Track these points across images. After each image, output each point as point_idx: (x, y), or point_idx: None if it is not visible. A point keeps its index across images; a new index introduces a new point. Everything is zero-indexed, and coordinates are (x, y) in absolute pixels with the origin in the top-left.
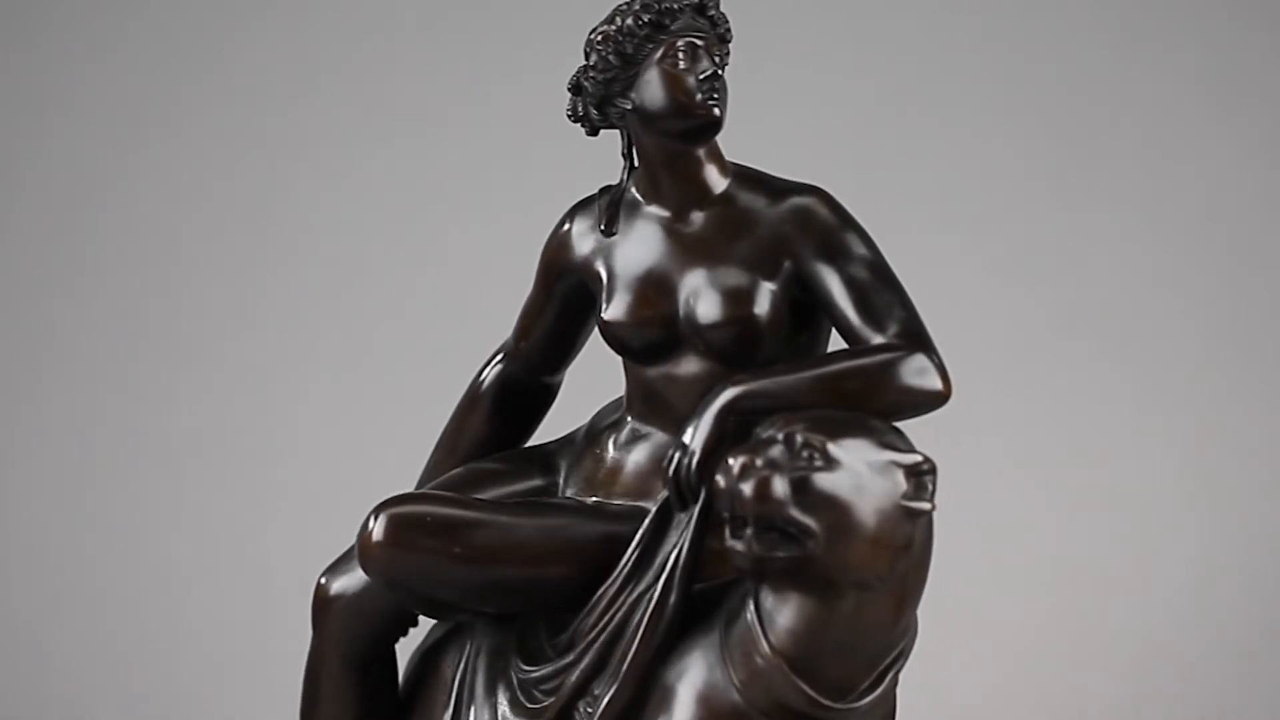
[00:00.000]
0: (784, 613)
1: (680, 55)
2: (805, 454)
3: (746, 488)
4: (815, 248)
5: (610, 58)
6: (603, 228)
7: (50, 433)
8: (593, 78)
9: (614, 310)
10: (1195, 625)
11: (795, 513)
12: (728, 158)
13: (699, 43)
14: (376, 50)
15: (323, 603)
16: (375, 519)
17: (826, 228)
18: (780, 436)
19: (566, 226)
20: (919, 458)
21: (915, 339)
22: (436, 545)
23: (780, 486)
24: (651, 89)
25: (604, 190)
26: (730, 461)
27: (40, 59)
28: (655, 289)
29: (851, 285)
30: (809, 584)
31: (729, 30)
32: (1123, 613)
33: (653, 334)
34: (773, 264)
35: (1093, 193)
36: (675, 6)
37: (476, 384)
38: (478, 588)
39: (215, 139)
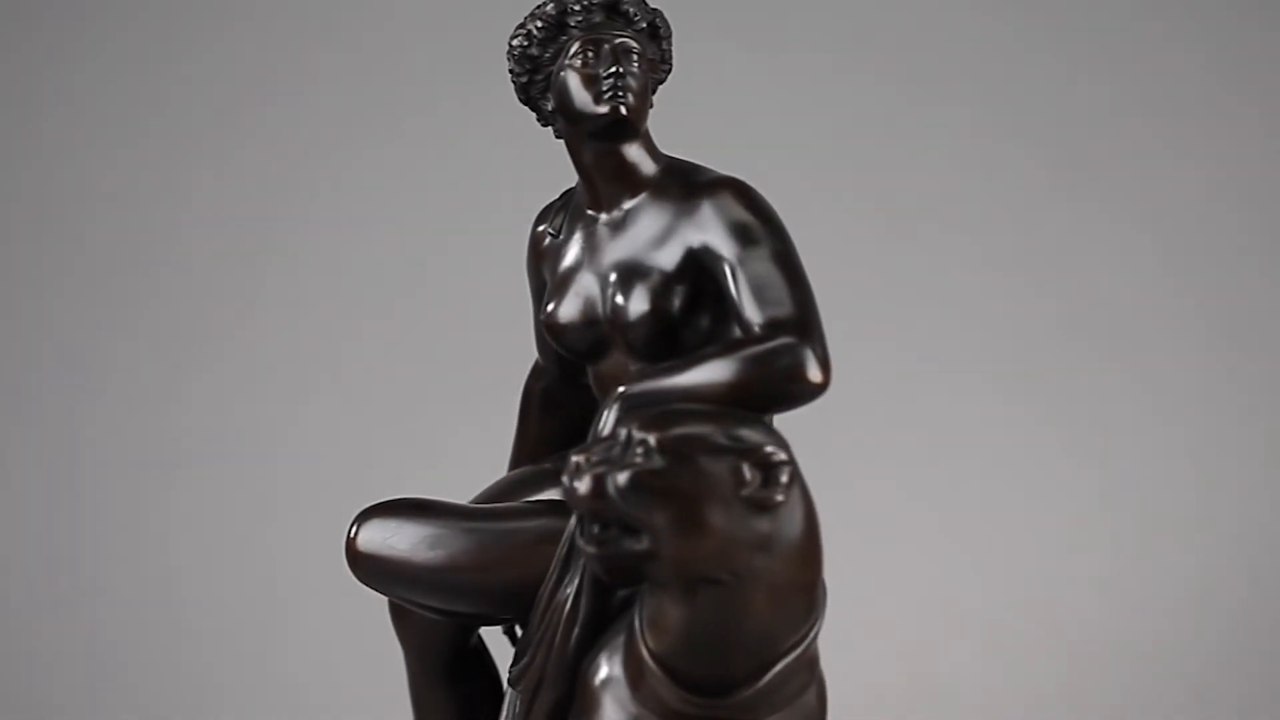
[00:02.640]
0: (654, 613)
1: (582, 55)
2: (639, 450)
3: (581, 486)
4: (719, 239)
5: (521, 62)
6: (551, 231)
7: (50, 430)
8: (514, 82)
9: (547, 313)
10: (1195, 622)
11: (629, 509)
12: (734, 157)
13: (606, 41)
14: (380, 50)
15: (394, 617)
16: (353, 528)
17: (732, 219)
18: (620, 433)
19: (532, 234)
20: (766, 450)
21: (796, 330)
22: (397, 556)
23: (612, 483)
24: (559, 90)
25: (565, 194)
26: (571, 460)
27: (34, 59)
28: (582, 290)
29: (747, 276)
30: (664, 582)
31: (657, 25)
32: (1124, 610)
33: (583, 334)
34: (682, 257)
35: (1094, 191)
36: (576, 6)
37: (525, 394)
38: (443, 593)
39: (217, 138)
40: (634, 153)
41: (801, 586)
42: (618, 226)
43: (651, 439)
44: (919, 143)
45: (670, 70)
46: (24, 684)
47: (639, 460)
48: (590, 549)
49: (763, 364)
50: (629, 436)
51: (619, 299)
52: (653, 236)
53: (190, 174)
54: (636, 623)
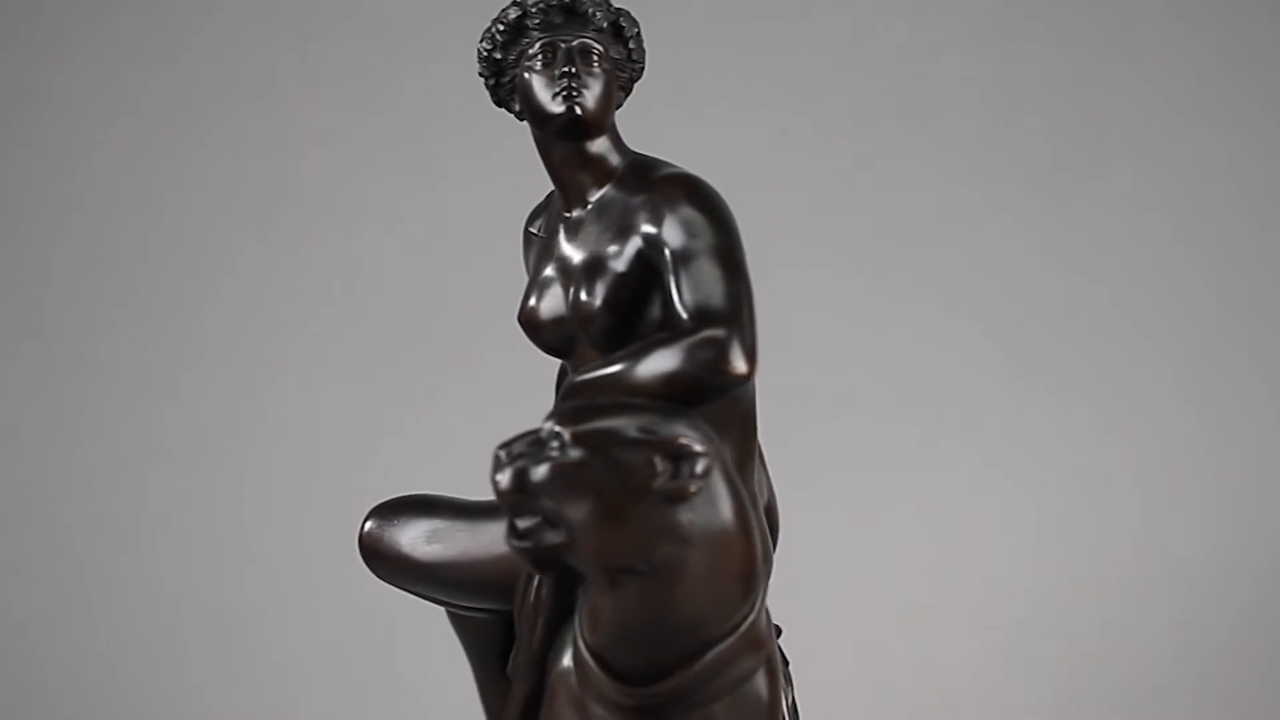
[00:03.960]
0: (586, 604)
1: (541, 56)
2: (554, 444)
3: (503, 479)
4: (664, 231)
5: (487, 65)
6: (534, 231)
7: (52, 427)
8: (485, 86)
9: (523, 312)
10: (1199, 609)
11: (545, 501)
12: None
13: (563, 42)
14: (385, 50)
15: (451, 620)
16: (364, 523)
17: (677, 212)
18: (543, 427)
19: (524, 234)
20: (678, 441)
21: (723, 321)
22: (400, 550)
23: (529, 477)
24: (521, 91)
25: (550, 193)
26: (495, 454)
27: (46, 51)
28: (551, 288)
29: (684, 268)
30: (589, 573)
31: (619, 25)
32: (1127, 601)
33: (553, 331)
34: (635, 250)
35: (1087, 190)
36: (534, 9)
37: (557, 388)
38: (443, 586)
39: (225, 132)
40: (598, 150)
41: (730, 575)
42: (583, 223)
43: (567, 433)
44: (911, 139)
45: (641, 68)
46: (28, 676)
47: (555, 454)
48: (514, 542)
49: (687, 355)
50: (549, 431)
51: (582, 295)
52: (612, 232)
53: (202, 168)
54: (576, 616)
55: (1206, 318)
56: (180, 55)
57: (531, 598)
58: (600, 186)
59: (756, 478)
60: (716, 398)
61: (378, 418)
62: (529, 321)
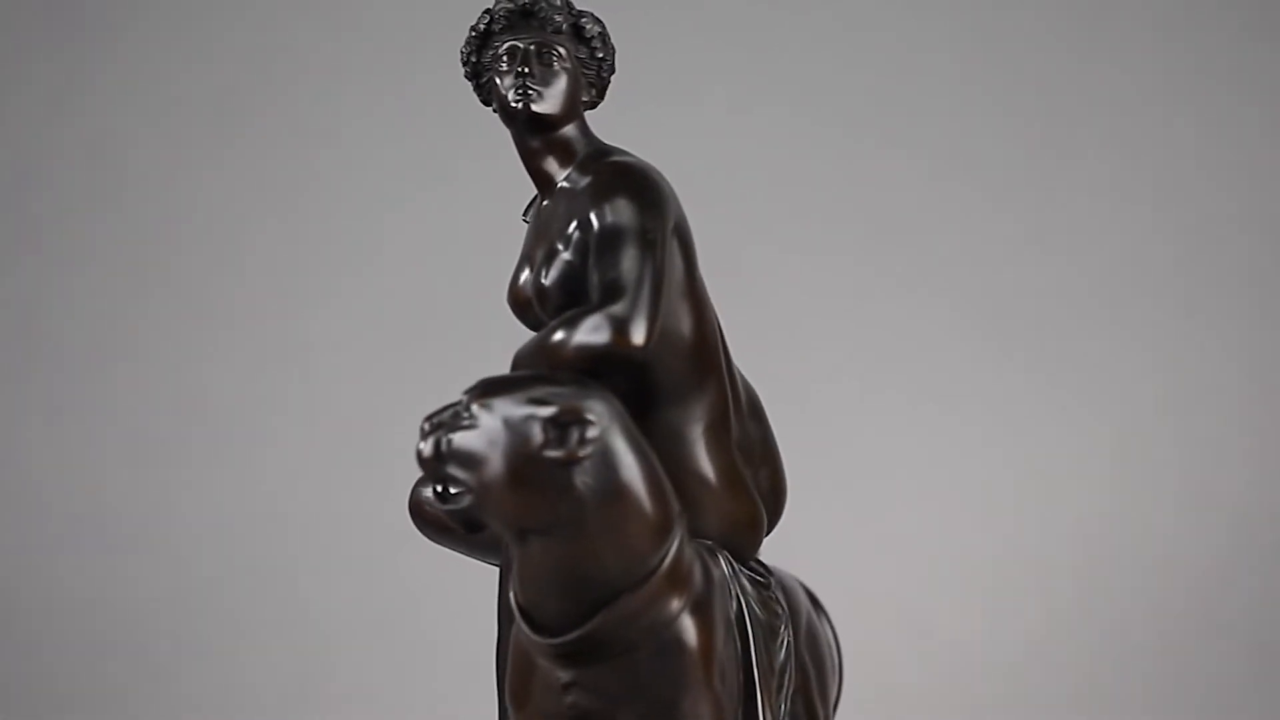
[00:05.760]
0: (514, 561)
1: (505, 58)
2: (465, 415)
3: (423, 448)
4: (590, 216)
5: (467, 69)
6: (525, 218)
7: (56, 423)
8: (471, 88)
9: (507, 291)
10: (1170, 576)
11: (450, 468)
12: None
13: (520, 45)
14: (394, 50)
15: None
16: (412, 489)
17: (604, 198)
18: (462, 399)
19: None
20: (563, 409)
21: (623, 297)
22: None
23: (440, 445)
24: (493, 92)
25: None
26: (420, 425)
27: (94, 52)
28: (518, 272)
29: (597, 247)
30: (501, 533)
31: (579, 26)
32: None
33: (525, 313)
34: (576, 236)
35: (1068, 182)
36: (499, 15)
37: None
38: (470, 545)
39: (248, 125)
40: (560, 142)
41: (635, 531)
42: (549, 211)
43: (474, 405)
44: (903, 135)
45: (608, 65)
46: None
47: (464, 424)
48: (439, 504)
49: (590, 329)
50: (463, 403)
51: (541, 278)
52: (565, 218)
53: (224, 160)
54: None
55: (1173, 299)
56: (216, 57)
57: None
58: (561, 170)
59: (749, 439)
60: (613, 365)
61: (416, 391)
62: (513, 300)
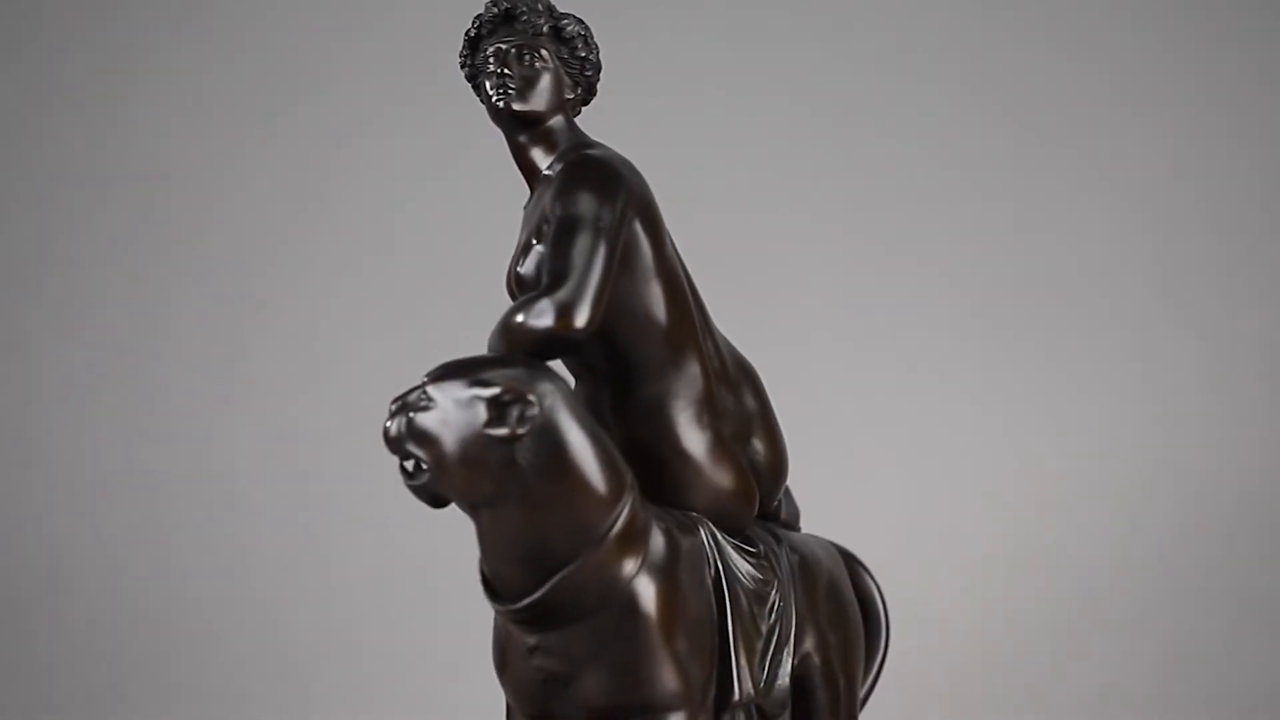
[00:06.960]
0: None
1: (491, 60)
2: (423, 397)
3: (389, 427)
4: (551, 206)
5: (465, 73)
6: (526, 208)
7: (59, 421)
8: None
9: (505, 277)
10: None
11: (410, 446)
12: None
13: (504, 48)
14: (393, 50)
15: None
16: None
17: (563, 188)
18: (425, 381)
19: None
20: (501, 389)
21: (562, 283)
22: None
23: (401, 426)
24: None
25: None
26: (389, 406)
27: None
28: (512, 262)
29: (552, 236)
30: (459, 506)
31: (559, 28)
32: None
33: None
34: (541, 226)
35: (1055, 177)
36: (484, 21)
37: None
38: None
39: (271, 120)
40: (542, 137)
41: (580, 503)
42: (534, 202)
43: (429, 387)
44: (896, 131)
45: (591, 64)
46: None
47: (423, 404)
48: (404, 480)
49: (535, 312)
50: (424, 384)
51: (520, 267)
52: (540, 209)
53: (252, 152)
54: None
55: (1150, 282)
56: (238, 55)
57: None
58: (547, 166)
59: (744, 412)
60: (555, 346)
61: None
62: (509, 286)
